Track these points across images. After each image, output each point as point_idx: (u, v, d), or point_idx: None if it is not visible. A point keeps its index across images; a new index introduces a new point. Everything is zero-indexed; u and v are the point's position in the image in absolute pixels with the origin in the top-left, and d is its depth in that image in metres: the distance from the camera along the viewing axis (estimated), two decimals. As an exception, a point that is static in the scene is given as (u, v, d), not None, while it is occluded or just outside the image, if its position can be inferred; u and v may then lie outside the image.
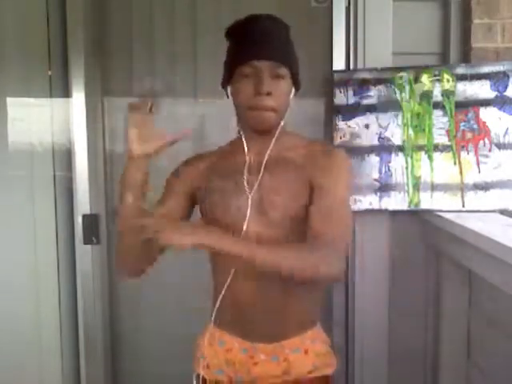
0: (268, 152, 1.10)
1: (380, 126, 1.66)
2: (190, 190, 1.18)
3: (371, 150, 1.66)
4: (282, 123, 1.11)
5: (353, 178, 1.05)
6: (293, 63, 1.09)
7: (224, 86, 1.13)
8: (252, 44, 1.04)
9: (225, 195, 1.09)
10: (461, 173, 1.63)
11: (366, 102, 1.66)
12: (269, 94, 1.02)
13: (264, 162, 1.09)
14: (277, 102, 1.04)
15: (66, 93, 1.76)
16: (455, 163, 1.63)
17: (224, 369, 1.13)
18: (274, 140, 1.10)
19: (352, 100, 1.66)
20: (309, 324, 1.15)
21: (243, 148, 1.13)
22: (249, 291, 1.07)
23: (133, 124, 1.09)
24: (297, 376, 1.10)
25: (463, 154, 1.62)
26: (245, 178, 1.09)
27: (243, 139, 1.13)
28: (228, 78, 1.10)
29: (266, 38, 1.05)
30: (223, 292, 1.09)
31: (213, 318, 1.16)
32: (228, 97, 1.11)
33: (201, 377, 1.16)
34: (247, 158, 1.12)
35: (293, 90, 1.10)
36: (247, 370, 1.10)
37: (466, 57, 1.68)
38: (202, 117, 1.85)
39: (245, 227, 1.06)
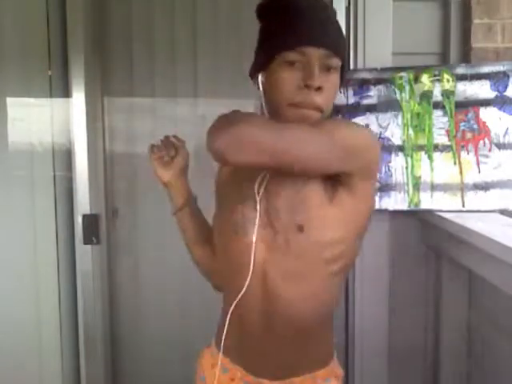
0: None
1: (380, 126, 1.66)
2: None
3: (371, 149, 1.66)
4: None
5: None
6: (345, 54, 0.93)
7: (254, 73, 0.93)
8: (303, 26, 0.86)
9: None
10: (461, 173, 1.62)
11: (365, 101, 1.66)
12: (319, 88, 0.86)
13: None
14: (325, 99, 0.88)
15: (66, 93, 1.76)
16: (455, 163, 1.63)
17: None
18: None
19: (352, 100, 1.66)
20: (322, 361, 1.01)
21: None
22: (259, 323, 0.95)
23: (154, 158, 1.11)
24: None
25: (463, 154, 1.62)
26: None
27: None
28: (262, 65, 0.90)
29: (319, 21, 0.87)
30: (227, 321, 0.97)
31: (214, 340, 1.06)
32: (259, 88, 0.92)
33: None
34: None
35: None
36: None
37: (466, 57, 1.68)
38: (202, 117, 1.85)
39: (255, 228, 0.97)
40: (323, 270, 0.92)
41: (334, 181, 0.90)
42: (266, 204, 0.93)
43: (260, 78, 0.91)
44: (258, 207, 0.92)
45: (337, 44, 0.89)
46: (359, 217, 0.95)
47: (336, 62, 0.89)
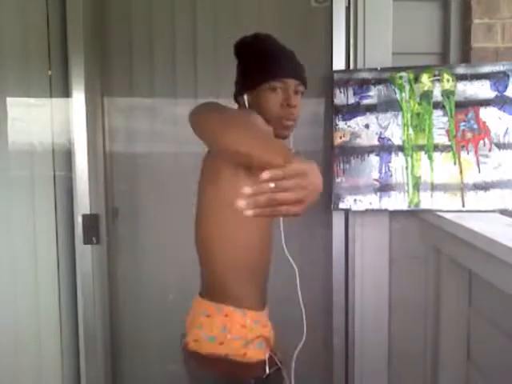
0: None
1: (380, 125, 1.66)
2: None
3: (371, 149, 1.66)
4: None
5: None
6: (306, 81, 1.25)
7: (239, 95, 1.24)
8: (283, 62, 1.20)
9: None
10: (461, 173, 1.63)
11: (365, 101, 1.66)
12: (295, 106, 1.19)
13: None
14: (299, 113, 1.22)
15: (66, 93, 1.76)
16: (455, 163, 1.63)
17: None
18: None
19: (352, 100, 1.67)
20: None
21: None
22: (263, 262, 1.26)
23: None
24: None
25: (463, 153, 1.62)
26: None
27: None
28: (248, 89, 1.21)
29: (293, 60, 1.24)
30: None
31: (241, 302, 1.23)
32: (246, 105, 1.22)
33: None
34: None
35: None
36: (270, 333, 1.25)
37: (465, 57, 1.68)
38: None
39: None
40: None
41: None
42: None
43: (246, 97, 1.21)
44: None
45: (303, 76, 1.24)
46: None
47: (301, 88, 1.22)
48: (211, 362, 1.15)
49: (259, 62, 1.21)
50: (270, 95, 1.18)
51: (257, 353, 1.17)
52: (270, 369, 1.18)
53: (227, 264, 1.18)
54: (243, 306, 1.18)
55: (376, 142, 1.66)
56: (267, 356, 1.19)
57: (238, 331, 1.16)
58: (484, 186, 1.61)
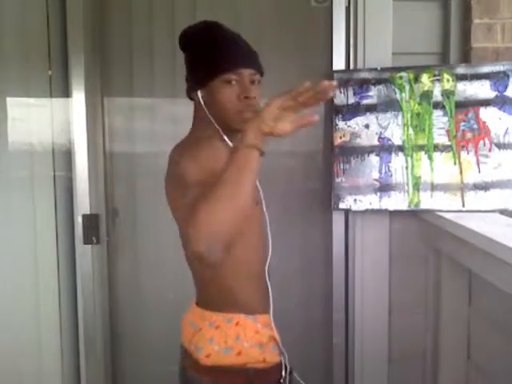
0: None
1: (380, 126, 1.66)
2: None
3: (371, 149, 1.66)
4: None
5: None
6: (263, 69, 1.17)
7: (192, 92, 1.17)
8: (234, 52, 1.11)
9: None
10: (461, 173, 1.63)
11: (365, 101, 1.66)
12: (255, 97, 1.10)
13: None
14: (257, 104, 1.12)
15: (66, 93, 1.76)
16: (455, 163, 1.63)
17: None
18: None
19: (352, 100, 1.67)
20: None
21: (226, 145, 1.12)
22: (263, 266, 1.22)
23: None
24: None
25: (463, 153, 1.62)
26: None
27: (225, 137, 1.13)
28: (201, 85, 1.13)
29: (245, 48, 1.14)
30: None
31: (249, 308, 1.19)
32: (200, 102, 1.14)
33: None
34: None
35: None
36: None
37: (465, 57, 1.68)
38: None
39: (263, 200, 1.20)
40: None
41: None
42: None
43: (200, 94, 1.14)
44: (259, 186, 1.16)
45: (258, 64, 1.15)
46: None
47: (258, 77, 1.13)
48: (230, 374, 1.11)
49: (208, 55, 1.12)
50: (225, 89, 1.09)
51: (273, 356, 1.15)
52: (285, 371, 1.16)
53: (232, 272, 1.13)
54: (252, 312, 1.14)
55: (376, 142, 1.66)
56: (282, 358, 1.16)
57: (253, 338, 1.13)
58: (484, 186, 1.61)
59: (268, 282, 1.21)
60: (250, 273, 1.17)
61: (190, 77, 1.19)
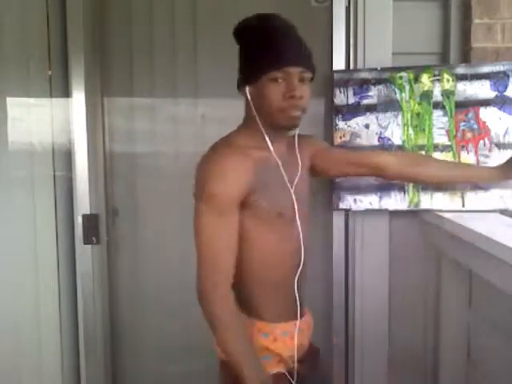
0: (297, 151, 1.25)
1: (380, 125, 1.66)
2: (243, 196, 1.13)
3: (371, 149, 1.66)
4: None
5: None
6: (314, 66, 1.16)
7: (242, 86, 1.16)
8: (284, 49, 1.09)
9: (271, 189, 1.15)
10: (461, 173, 1.62)
11: (365, 101, 1.66)
12: (301, 97, 1.10)
13: (299, 159, 1.25)
14: (306, 103, 1.13)
15: (66, 93, 1.76)
16: (455, 163, 1.63)
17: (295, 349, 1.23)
18: (296, 138, 1.26)
19: (352, 100, 1.66)
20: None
21: (266, 145, 1.17)
22: (290, 280, 1.23)
23: None
24: None
25: (463, 153, 1.62)
26: (283, 172, 1.18)
27: (267, 138, 1.16)
28: (250, 81, 1.13)
29: (295, 44, 1.12)
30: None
31: (262, 315, 1.23)
32: (248, 97, 1.15)
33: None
34: (274, 155, 1.18)
35: None
36: (307, 339, 1.29)
37: (465, 57, 1.68)
38: (202, 117, 1.85)
39: (297, 212, 1.20)
40: None
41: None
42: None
43: (248, 90, 1.14)
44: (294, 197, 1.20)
45: (309, 61, 1.13)
46: None
47: (308, 75, 1.13)
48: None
49: (256, 52, 1.11)
50: (271, 87, 1.09)
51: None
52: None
53: (246, 280, 1.18)
54: (265, 319, 1.20)
55: (376, 142, 1.66)
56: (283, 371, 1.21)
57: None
58: (484, 186, 1.61)
59: (296, 293, 1.20)
60: (266, 282, 1.18)
61: (240, 71, 1.18)
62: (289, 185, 1.19)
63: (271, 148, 1.16)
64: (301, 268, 1.21)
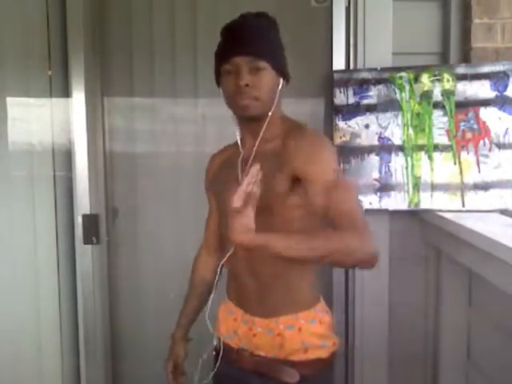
0: (256, 144, 1.16)
1: (380, 125, 1.66)
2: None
3: (371, 150, 1.66)
4: (270, 113, 1.14)
5: (335, 159, 1.11)
6: (274, 56, 1.13)
7: (218, 86, 1.20)
8: (231, 42, 1.13)
9: (225, 186, 1.10)
10: (461, 173, 1.62)
11: (365, 101, 1.66)
12: (247, 85, 1.09)
13: (252, 154, 1.16)
14: (258, 91, 1.10)
15: (66, 93, 1.76)
16: (455, 163, 1.63)
17: (232, 336, 1.24)
18: (261, 132, 1.15)
19: (352, 100, 1.67)
20: (304, 304, 1.19)
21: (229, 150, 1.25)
22: (245, 269, 1.18)
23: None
24: (291, 352, 1.16)
25: (463, 153, 1.62)
26: (239, 169, 1.17)
27: (237, 133, 1.21)
28: (218, 78, 1.18)
29: (244, 35, 1.12)
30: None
31: (226, 290, 1.28)
32: (221, 93, 1.17)
33: (221, 339, 1.27)
34: (241, 150, 1.19)
35: (281, 80, 1.15)
36: (248, 339, 1.20)
37: (466, 57, 1.68)
38: (202, 117, 1.85)
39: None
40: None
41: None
42: None
43: (220, 89, 1.17)
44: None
45: (261, 50, 1.11)
46: None
47: (263, 64, 1.10)
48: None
49: (216, 49, 1.19)
50: (225, 79, 1.13)
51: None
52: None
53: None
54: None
55: (376, 142, 1.66)
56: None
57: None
58: (484, 186, 1.61)
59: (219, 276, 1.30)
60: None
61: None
62: (240, 178, 1.09)
63: (239, 141, 1.21)
64: (230, 253, 1.18)
